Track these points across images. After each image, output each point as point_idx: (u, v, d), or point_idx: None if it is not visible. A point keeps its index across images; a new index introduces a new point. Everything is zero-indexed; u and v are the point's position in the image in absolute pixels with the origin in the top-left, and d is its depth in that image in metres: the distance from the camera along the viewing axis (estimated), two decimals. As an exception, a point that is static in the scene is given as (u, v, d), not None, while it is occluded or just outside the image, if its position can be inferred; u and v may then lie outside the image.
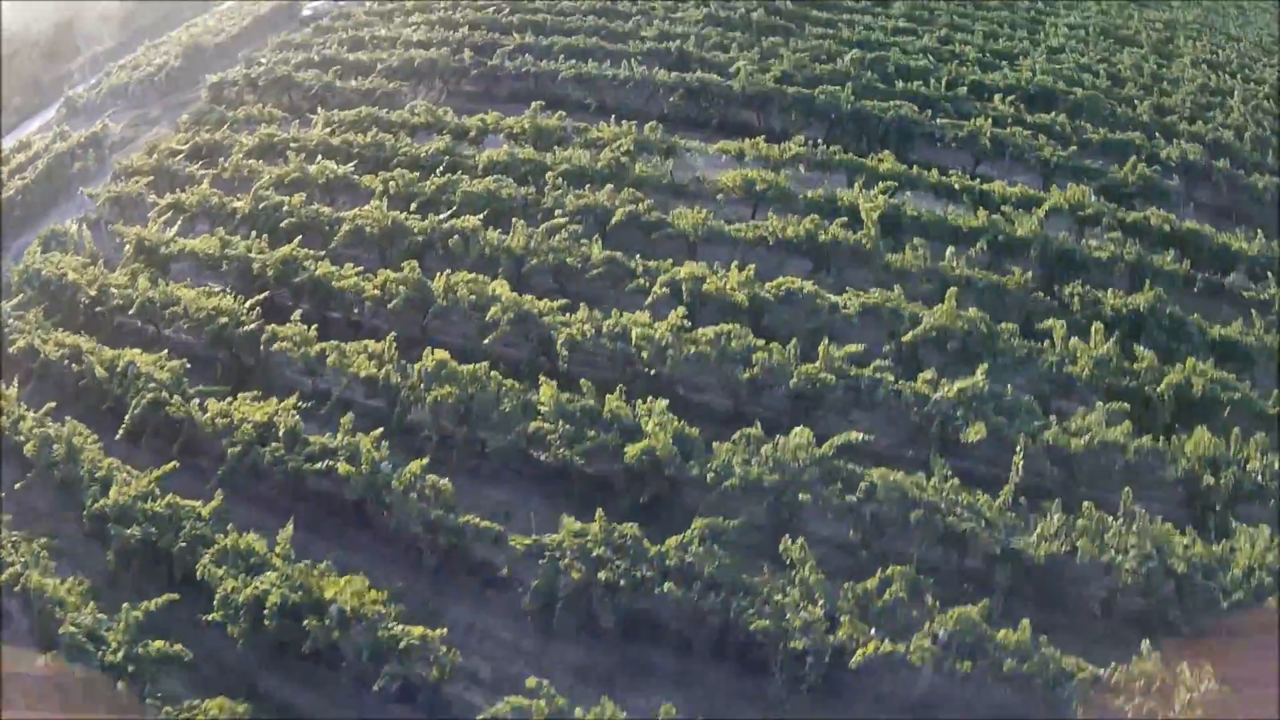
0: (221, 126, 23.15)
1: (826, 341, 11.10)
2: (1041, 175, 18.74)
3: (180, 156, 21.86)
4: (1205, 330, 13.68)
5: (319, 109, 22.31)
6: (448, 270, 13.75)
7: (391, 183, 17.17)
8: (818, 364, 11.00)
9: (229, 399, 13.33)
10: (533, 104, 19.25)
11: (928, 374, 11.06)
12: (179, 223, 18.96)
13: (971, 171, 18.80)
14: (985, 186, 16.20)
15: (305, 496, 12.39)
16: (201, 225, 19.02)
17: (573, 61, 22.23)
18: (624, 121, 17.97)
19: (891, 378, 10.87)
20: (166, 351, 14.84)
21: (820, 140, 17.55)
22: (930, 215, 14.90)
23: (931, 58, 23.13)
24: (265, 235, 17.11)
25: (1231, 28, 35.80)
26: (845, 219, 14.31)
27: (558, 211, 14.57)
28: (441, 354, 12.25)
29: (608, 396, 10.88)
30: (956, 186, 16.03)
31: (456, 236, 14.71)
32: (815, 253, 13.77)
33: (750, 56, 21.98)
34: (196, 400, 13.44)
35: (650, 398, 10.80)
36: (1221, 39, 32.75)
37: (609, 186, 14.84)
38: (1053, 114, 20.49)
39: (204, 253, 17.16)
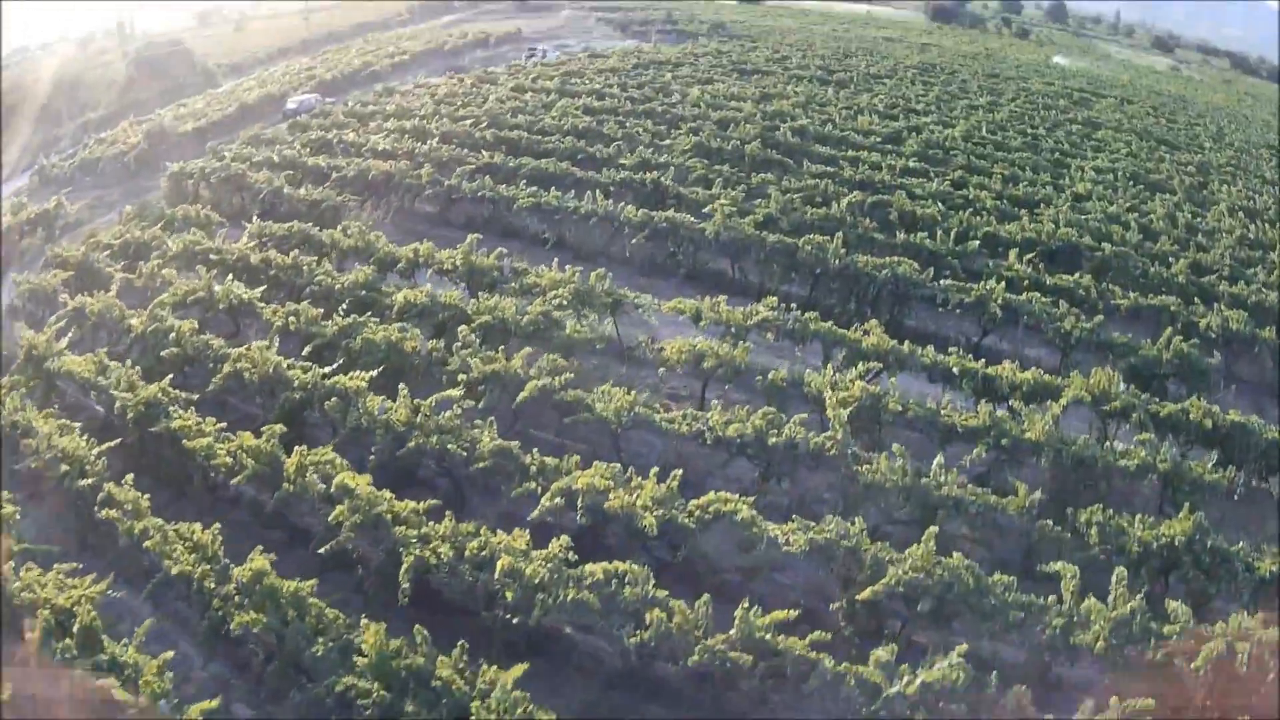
0: (157, 224, 21.05)
1: (745, 606, 8.21)
2: (1060, 349, 16.09)
3: (108, 253, 19.70)
4: (1253, 565, 10.79)
5: (255, 218, 20.17)
6: (303, 446, 11.07)
7: (292, 318, 14.71)
8: (733, 632, 8.11)
9: (51, 566, 10.74)
10: (469, 236, 16.87)
11: (884, 652, 8.13)
12: (72, 332, 16.61)
13: (977, 344, 16.19)
14: (990, 370, 13.46)
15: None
16: (103, 337, 16.77)
17: (533, 189, 20.01)
18: (569, 266, 15.51)
19: (830, 662, 7.94)
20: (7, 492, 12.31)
21: (798, 305, 14.84)
22: (918, 409, 12.12)
23: (941, 205, 20.73)
24: (142, 366, 14.64)
25: (1266, 170, 33.94)
26: (809, 413, 11.58)
27: (462, 377, 11.96)
28: (261, 562, 9.49)
29: (441, 660, 8.02)
30: (956, 370, 13.30)
31: (336, 398, 12.11)
32: (764, 456, 10.99)
33: (734, 196, 19.67)
34: (14, 562, 10.80)
35: (497, 667, 7.91)
36: (1257, 183, 30.75)
37: (526, 350, 12.22)
38: (1076, 275, 17.96)
39: (80, 376, 14.76)
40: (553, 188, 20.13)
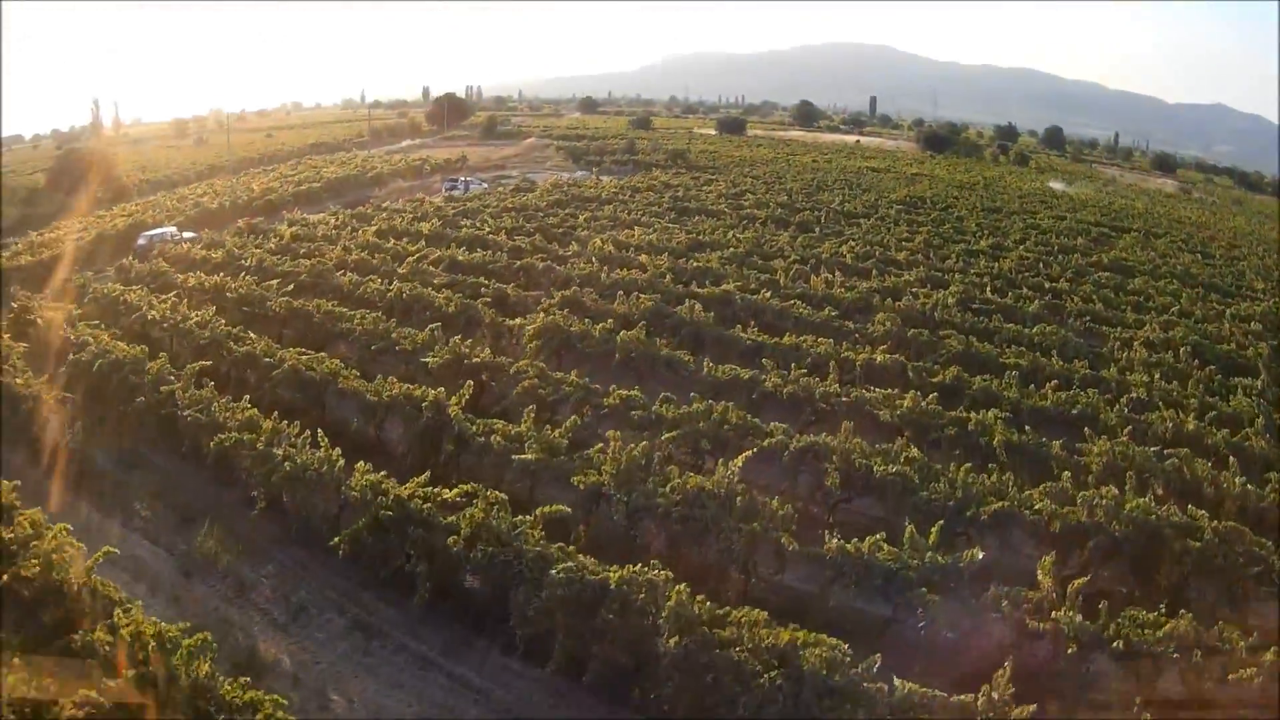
0: None
1: None
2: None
3: None
4: None
5: None
6: None
7: None
8: None
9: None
10: (29, 513, 8.19)
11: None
12: None
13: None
14: None
15: None
16: None
17: (250, 417, 11.65)
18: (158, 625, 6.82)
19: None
20: None
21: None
22: None
23: (917, 451, 11.79)
24: None
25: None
26: None
27: None
28: None
29: None
30: None
31: None
32: None
33: (551, 439, 10.90)
34: None
35: None
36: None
37: None
38: (1164, 610, 9.07)
39: None
40: (273, 415, 11.57)
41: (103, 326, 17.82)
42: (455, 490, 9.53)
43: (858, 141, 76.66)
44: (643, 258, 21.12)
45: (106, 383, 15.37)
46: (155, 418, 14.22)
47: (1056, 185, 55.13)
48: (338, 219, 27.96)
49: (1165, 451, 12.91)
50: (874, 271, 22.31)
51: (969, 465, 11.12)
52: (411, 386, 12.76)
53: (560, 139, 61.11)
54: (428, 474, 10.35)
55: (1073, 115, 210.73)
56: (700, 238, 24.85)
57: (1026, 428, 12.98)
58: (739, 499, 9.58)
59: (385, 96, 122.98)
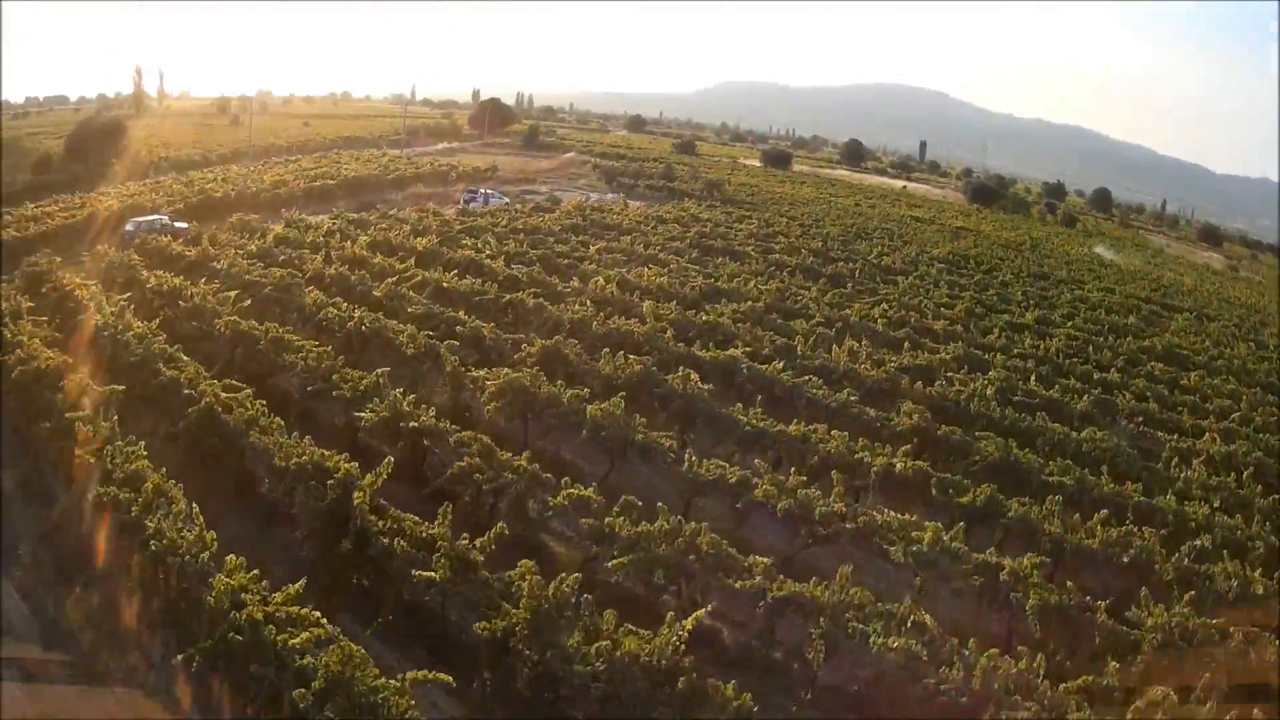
0: None
1: None
2: None
3: None
4: None
5: None
6: None
7: None
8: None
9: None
10: None
11: None
12: None
13: None
14: None
15: None
16: None
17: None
18: None
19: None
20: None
21: None
22: None
23: (930, 621, 9.16)
24: None
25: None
26: None
27: None
28: None
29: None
30: None
31: None
32: None
33: (445, 563, 8.40)
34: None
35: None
36: None
37: None
38: None
39: None
40: (162, 471, 9.27)
41: (48, 324, 15.86)
42: (303, 636, 7.07)
43: (904, 187, 73.70)
44: (646, 304, 18.66)
45: (24, 395, 13.35)
46: (56, 446, 12.13)
47: (1104, 252, 51.95)
48: (335, 223, 25.87)
49: (1230, 629, 10.24)
50: (906, 344, 19.69)
51: (993, 651, 8.45)
52: (325, 454, 10.38)
53: (600, 156, 58.89)
54: (302, 583, 7.97)
55: (1121, 177, 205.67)
56: (719, 283, 22.35)
57: (1069, 584, 10.31)
58: (681, 680, 7.08)
59: (436, 95, 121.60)
